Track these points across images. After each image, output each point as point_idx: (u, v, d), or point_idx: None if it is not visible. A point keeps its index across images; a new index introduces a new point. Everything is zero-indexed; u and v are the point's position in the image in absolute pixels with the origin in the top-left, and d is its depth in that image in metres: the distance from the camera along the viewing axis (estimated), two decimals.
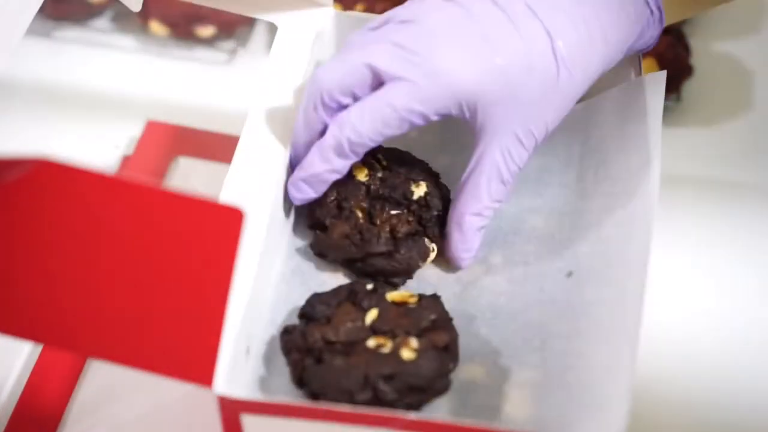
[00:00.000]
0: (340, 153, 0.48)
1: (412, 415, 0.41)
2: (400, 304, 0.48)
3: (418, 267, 0.50)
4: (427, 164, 0.53)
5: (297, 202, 0.50)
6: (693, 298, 0.58)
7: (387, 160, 0.52)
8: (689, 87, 0.69)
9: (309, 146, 0.49)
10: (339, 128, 0.48)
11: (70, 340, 0.41)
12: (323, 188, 0.50)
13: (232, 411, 0.42)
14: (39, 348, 0.53)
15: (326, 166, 0.49)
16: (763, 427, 0.52)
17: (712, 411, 0.53)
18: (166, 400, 0.50)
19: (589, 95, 0.57)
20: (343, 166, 0.49)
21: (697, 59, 0.70)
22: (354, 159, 0.49)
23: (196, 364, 0.41)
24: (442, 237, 0.51)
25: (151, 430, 0.50)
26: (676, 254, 0.60)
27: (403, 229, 0.50)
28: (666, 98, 0.67)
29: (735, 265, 0.60)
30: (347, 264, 0.50)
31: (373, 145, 0.48)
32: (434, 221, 0.51)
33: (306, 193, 0.50)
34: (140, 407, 0.50)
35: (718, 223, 0.62)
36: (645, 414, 0.52)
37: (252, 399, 0.42)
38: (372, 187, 0.51)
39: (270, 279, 0.49)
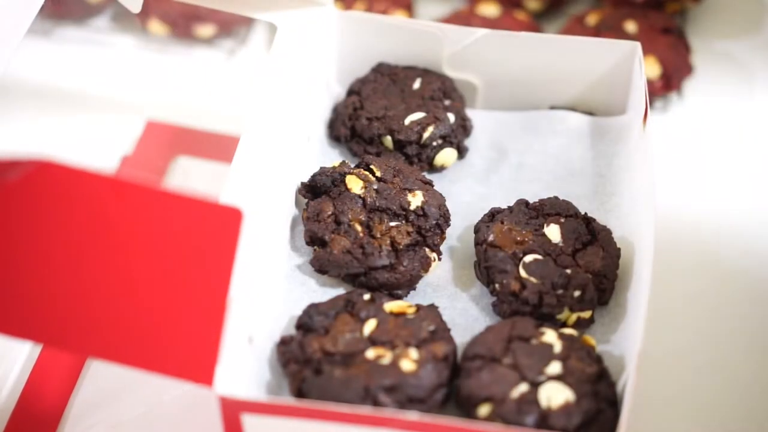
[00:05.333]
0: None
1: (412, 415, 0.41)
2: (399, 315, 0.47)
3: (421, 278, 0.50)
4: (419, 172, 0.53)
5: None
6: (692, 295, 0.58)
7: (380, 171, 0.52)
8: (689, 86, 0.69)
9: None
10: None
11: (70, 340, 0.41)
12: None
13: (232, 411, 0.42)
14: (39, 348, 0.53)
15: None
16: (763, 427, 0.52)
17: (711, 412, 0.53)
18: (165, 399, 0.50)
19: (590, 95, 0.57)
20: None
21: (697, 58, 0.70)
22: None
23: (196, 363, 0.41)
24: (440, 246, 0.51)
25: (150, 430, 0.50)
26: (676, 253, 0.60)
27: (404, 241, 0.49)
28: (667, 96, 0.68)
29: (735, 265, 0.60)
30: (349, 279, 0.50)
31: None
32: (433, 230, 0.50)
33: None
34: (140, 407, 0.50)
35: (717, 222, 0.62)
36: (645, 413, 0.52)
37: (252, 399, 0.42)
38: (368, 199, 0.50)
39: (270, 278, 0.49)
